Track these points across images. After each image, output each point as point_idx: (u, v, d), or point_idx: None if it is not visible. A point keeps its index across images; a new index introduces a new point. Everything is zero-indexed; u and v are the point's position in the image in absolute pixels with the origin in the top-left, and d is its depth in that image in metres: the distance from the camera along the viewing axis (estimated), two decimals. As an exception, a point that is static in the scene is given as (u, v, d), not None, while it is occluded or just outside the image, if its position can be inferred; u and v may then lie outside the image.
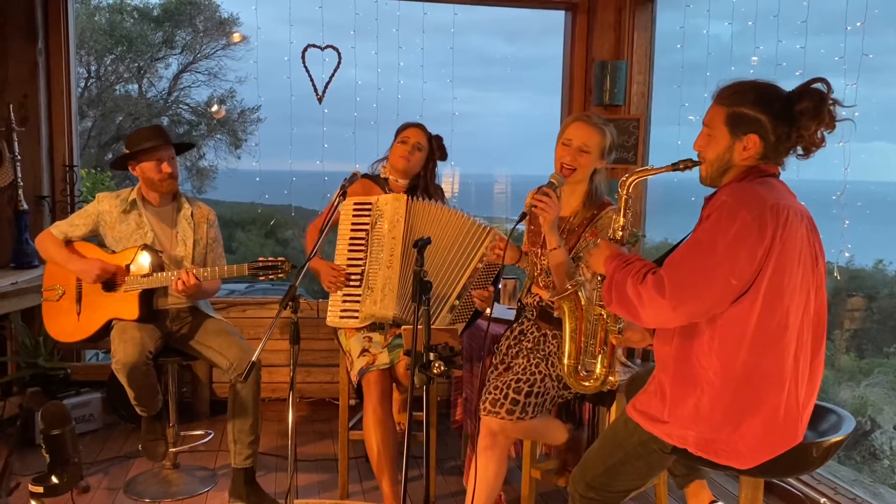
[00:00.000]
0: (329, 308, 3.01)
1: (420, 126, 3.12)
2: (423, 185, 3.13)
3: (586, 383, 2.32)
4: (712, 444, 1.89)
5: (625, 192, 2.10)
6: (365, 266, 2.96)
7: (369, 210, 2.98)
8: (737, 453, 1.87)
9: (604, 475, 2.06)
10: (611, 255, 2.04)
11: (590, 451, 2.14)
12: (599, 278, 2.13)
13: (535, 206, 2.47)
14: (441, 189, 3.20)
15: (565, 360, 2.33)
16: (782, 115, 1.86)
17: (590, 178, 2.63)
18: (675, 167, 2.03)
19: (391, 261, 2.93)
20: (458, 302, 2.94)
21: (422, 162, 3.10)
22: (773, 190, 1.87)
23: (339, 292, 2.98)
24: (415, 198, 2.98)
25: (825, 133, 1.88)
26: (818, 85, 1.87)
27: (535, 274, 2.71)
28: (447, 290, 2.94)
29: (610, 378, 2.30)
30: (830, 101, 1.85)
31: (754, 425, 1.85)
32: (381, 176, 3.16)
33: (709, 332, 1.86)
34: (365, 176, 3.17)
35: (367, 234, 2.97)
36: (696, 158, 1.99)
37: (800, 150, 1.92)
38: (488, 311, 3.25)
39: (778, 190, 1.89)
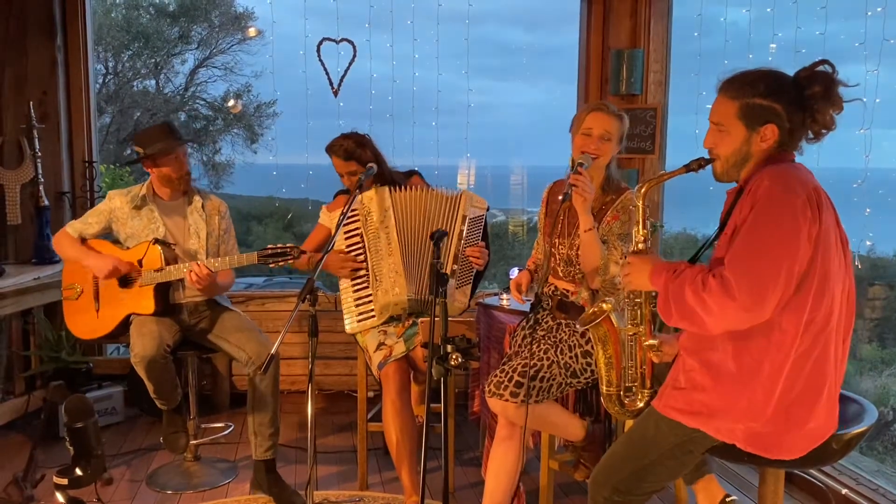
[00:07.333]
0: (345, 317, 3.06)
1: (339, 154, 3.07)
2: (388, 180, 3.13)
3: (632, 408, 2.17)
4: (763, 438, 1.83)
5: (640, 202, 1.99)
6: (368, 264, 3.03)
7: (356, 213, 3.05)
8: (785, 446, 1.83)
9: (632, 477, 1.98)
10: (654, 268, 1.90)
11: (613, 454, 2.05)
12: (631, 295, 2.03)
13: (574, 186, 2.47)
14: (401, 173, 3.25)
15: (604, 389, 2.19)
16: (796, 102, 1.83)
17: (606, 165, 2.65)
18: (688, 168, 1.97)
19: (390, 248, 3.00)
20: (456, 266, 3.01)
21: (357, 175, 3.08)
22: (805, 173, 1.85)
23: (350, 299, 3.05)
24: (391, 188, 3.06)
25: (834, 115, 1.85)
26: (824, 67, 1.83)
27: (553, 265, 2.72)
28: (443, 259, 2.97)
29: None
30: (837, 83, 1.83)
31: (806, 415, 1.81)
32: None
33: (765, 324, 1.78)
34: (341, 192, 3.26)
35: (362, 235, 3.04)
36: (707, 156, 1.95)
37: (810, 134, 1.89)
38: (505, 300, 3.27)
39: (808, 173, 1.86)
